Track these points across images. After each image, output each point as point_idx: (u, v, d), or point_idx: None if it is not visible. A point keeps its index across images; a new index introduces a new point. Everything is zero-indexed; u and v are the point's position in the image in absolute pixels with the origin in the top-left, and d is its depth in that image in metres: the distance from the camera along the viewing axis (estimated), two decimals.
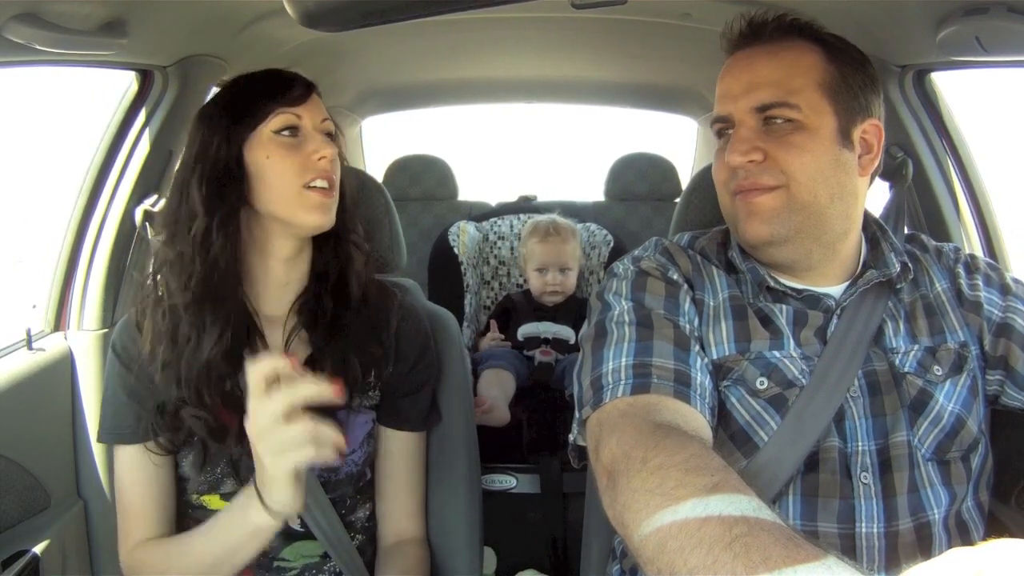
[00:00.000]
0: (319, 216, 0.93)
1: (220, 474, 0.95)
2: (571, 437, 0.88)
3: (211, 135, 0.92)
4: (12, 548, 1.10)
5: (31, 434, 1.21)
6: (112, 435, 0.97)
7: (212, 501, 0.96)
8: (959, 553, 0.44)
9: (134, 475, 0.96)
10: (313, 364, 0.96)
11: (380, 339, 1.01)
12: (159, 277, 0.95)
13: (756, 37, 0.87)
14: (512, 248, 2.29)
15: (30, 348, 1.27)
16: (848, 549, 0.80)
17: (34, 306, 1.38)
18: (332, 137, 0.97)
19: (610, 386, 0.79)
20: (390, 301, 1.04)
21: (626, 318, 0.85)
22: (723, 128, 0.88)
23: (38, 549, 1.12)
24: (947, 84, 1.29)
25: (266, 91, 0.94)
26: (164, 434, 0.93)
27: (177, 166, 0.97)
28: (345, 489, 1.00)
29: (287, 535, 0.98)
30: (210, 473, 0.95)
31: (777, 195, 0.83)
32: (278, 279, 0.98)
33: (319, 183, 0.92)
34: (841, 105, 0.84)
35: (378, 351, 1.00)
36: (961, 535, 0.84)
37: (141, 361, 0.94)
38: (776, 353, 0.85)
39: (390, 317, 1.03)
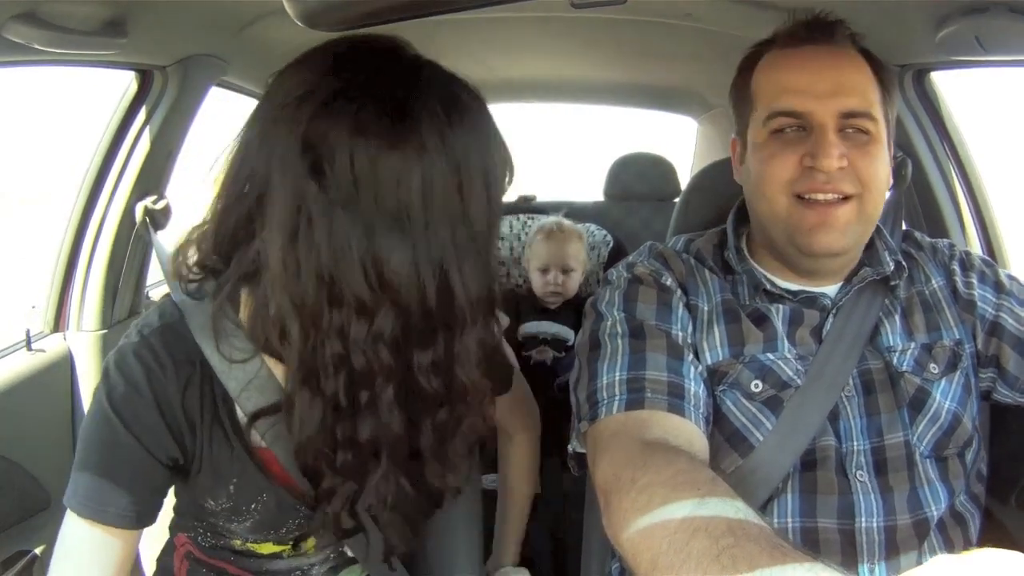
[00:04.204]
0: None
1: (287, 530, 0.81)
2: (570, 447, 0.89)
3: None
4: (12, 548, 1.10)
5: (31, 434, 1.21)
6: (90, 509, 0.72)
7: (264, 548, 0.85)
8: (945, 561, 0.45)
9: (97, 557, 0.73)
10: None
11: None
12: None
13: (829, 36, 0.85)
14: (512, 248, 2.29)
15: (30, 349, 1.27)
16: (848, 544, 0.80)
17: (33, 307, 1.38)
18: None
19: (604, 402, 0.79)
20: None
21: (619, 330, 0.84)
22: (789, 124, 0.84)
23: (38, 549, 1.13)
24: (947, 84, 1.29)
25: None
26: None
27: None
28: None
29: (336, 566, 0.92)
30: (268, 531, 0.82)
31: (851, 206, 0.82)
32: None
33: None
34: (887, 121, 0.86)
35: None
36: (959, 525, 0.85)
37: (154, 434, 0.72)
38: (770, 355, 0.85)
39: None
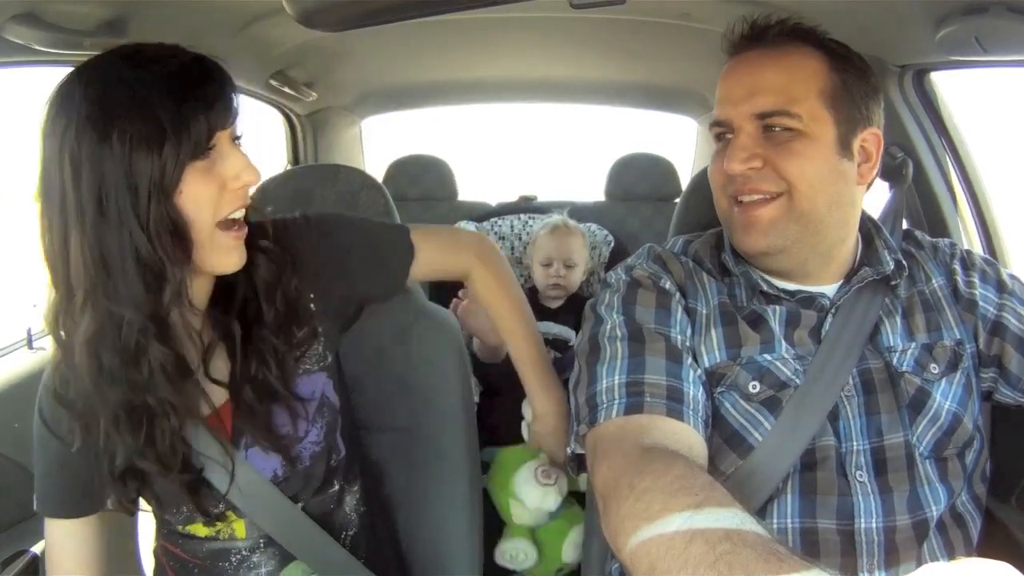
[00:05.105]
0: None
1: (189, 511, 0.87)
2: (568, 449, 0.89)
3: (144, 162, 0.70)
4: (12, 548, 1.10)
5: (32, 434, 1.21)
6: (40, 505, 0.90)
7: (197, 529, 0.91)
8: (933, 568, 0.46)
9: (64, 551, 0.89)
10: (233, 378, 0.85)
11: (297, 316, 0.88)
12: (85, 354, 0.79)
13: (759, 41, 0.86)
14: (512, 249, 2.29)
15: (30, 347, 1.27)
16: (847, 545, 0.80)
17: (34, 305, 1.38)
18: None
19: (604, 405, 0.79)
20: (283, 258, 0.87)
21: (618, 333, 0.85)
22: (722, 132, 0.88)
23: (38, 549, 1.12)
24: (947, 84, 1.29)
25: (197, 95, 0.74)
26: (119, 496, 0.84)
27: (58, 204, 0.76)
28: (316, 472, 0.92)
29: (283, 556, 0.92)
30: (178, 512, 0.88)
31: (777, 205, 0.83)
32: None
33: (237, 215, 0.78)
34: (842, 114, 0.83)
35: (300, 330, 0.89)
36: (959, 526, 0.85)
37: (70, 434, 0.83)
38: (767, 356, 0.85)
39: (292, 276, 0.88)
